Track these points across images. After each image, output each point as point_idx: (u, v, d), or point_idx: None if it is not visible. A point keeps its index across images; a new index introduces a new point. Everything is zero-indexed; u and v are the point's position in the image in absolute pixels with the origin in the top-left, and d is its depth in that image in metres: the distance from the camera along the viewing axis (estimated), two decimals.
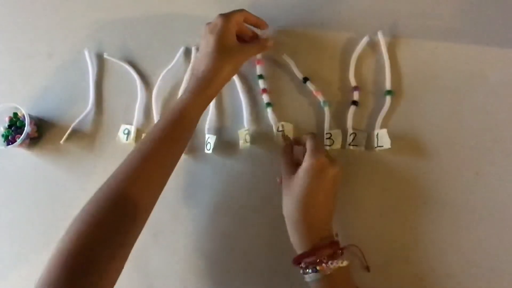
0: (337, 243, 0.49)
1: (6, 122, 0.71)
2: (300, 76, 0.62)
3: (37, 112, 0.72)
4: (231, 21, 0.55)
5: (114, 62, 0.71)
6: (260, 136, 0.62)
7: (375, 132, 0.57)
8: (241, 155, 0.62)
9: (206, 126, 0.64)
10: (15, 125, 0.70)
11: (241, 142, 0.61)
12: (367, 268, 0.54)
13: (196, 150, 0.64)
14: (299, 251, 0.49)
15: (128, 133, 0.66)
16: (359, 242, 0.55)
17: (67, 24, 0.75)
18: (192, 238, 0.61)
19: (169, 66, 0.67)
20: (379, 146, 0.56)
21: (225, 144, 0.63)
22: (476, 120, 0.55)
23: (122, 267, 0.46)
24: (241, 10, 0.58)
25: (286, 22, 0.65)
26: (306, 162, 0.50)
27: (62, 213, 0.66)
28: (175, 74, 0.67)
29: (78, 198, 0.48)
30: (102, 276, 0.44)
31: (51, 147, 0.70)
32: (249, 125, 0.62)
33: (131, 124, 0.67)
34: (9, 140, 0.69)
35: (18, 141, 0.66)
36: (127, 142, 0.66)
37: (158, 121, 0.53)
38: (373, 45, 0.61)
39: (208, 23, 0.57)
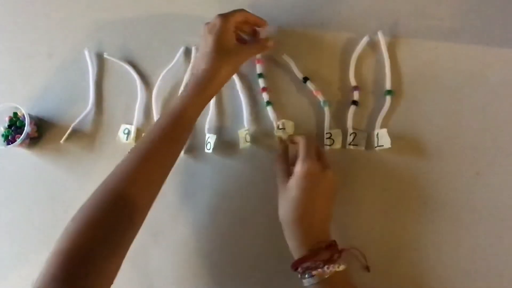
0: (334, 246, 0.48)
1: (6, 122, 0.71)
2: (300, 75, 0.62)
3: (37, 112, 0.72)
4: (230, 21, 0.55)
5: (114, 62, 0.71)
6: (260, 136, 0.62)
7: (375, 132, 0.57)
8: (241, 155, 0.62)
9: (206, 126, 0.64)
10: (15, 125, 0.70)
11: (241, 142, 0.61)
12: (367, 268, 0.54)
13: (196, 150, 0.64)
14: (296, 256, 0.49)
15: (128, 133, 0.66)
16: (359, 242, 0.55)
17: (67, 24, 0.75)
18: (192, 238, 0.61)
19: (169, 66, 0.67)
20: (379, 146, 0.56)
21: (225, 144, 0.63)
22: (476, 120, 0.55)
23: (119, 267, 0.46)
24: (241, 10, 0.57)
25: (286, 22, 0.65)
26: (298, 169, 0.50)
27: (62, 213, 0.66)
28: (175, 74, 0.67)
29: (78, 198, 0.47)
30: (100, 276, 0.44)
31: (51, 147, 0.70)
32: (249, 125, 0.62)
33: (131, 124, 0.67)
34: (9, 140, 0.69)
35: (18, 141, 0.66)
36: (127, 142, 0.66)
37: (157, 121, 0.53)
38: (373, 45, 0.61)
39: (207, 23, 0.57)
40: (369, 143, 0.58)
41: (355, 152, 0.58)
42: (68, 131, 0.69)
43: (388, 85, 0.58)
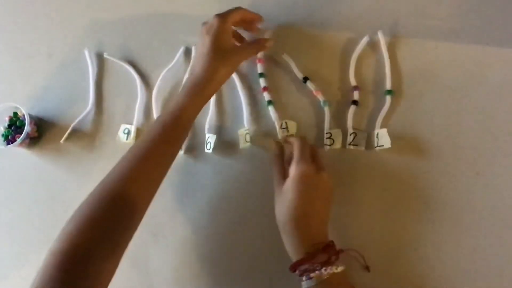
0: (332, 247, 0.48)
1: (6, 122, 0.71)
2: (300, 75, 0.62)
3: (37, 111, 0.72)
4: (228, 21, 0.55)
5: (114, 62, 0.71)
6: (260, 136, 0.62)
7: (375, 132, 0.57)
8: (241, 155, 0.62)
9: (206, 126, 0.64)
10: (15, 124, 0.70)
11: (241, 141, 0.62)
12: (367, 268, 0.54)
13: (196, 150, 0.64)
14: (293, 258, 0.49)
15: (128, 133, 0.66)
16: (359, 242, 0.55)
17: (67, 24, 0.75)
18: (192, 238, 0.61)
19: (169, 66, 0.67)
20: (379, 146, 0.56)
21: (225, 144, 0.63)
22: (477, 120, 0.55)
23: (117, 265, 0.46)
24: (238, 8, 0.57)
25: (286, 21, 0.65)
26: (292, 173, 0.50)
27: (62, 213, 0.65)
28: (175, 74, 0.67)
29: (78, 198, 0.48)
30: (98, 276, 0.44)
31: (51, 146, 0.70)
32: (249, 124, 0.62)
33: (131, 123, 0.67)
34: (9, 139, 0.69)
35: (18, 140, 0.66)
36: (127, 141, 0.66)
37: (155, 121, 0.53)
38: (373, 45, 0.61)
39: (205, 23, 0.56)
40: (369, 143, 0.58)
41: (355, 152, 0.58)
42: (68, 131, 0.69)
43: (388, 85, 0.58)
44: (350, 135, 0.58)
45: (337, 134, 0.58)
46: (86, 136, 0.69)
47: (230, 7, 0.58)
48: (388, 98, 0.58)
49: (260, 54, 0.64)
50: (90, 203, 0.47)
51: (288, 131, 0.60)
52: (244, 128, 0.61)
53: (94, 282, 0.43)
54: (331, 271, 0.46)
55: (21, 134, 0.66)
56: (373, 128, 0.58)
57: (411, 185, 0.55)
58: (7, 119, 0.71)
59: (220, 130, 0.64)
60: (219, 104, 0.65)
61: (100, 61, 0.72)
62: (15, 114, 0.70)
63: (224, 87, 0.66)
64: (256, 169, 0.61)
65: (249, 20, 0.60)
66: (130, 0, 0.73)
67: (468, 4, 0.60)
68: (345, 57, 0.61)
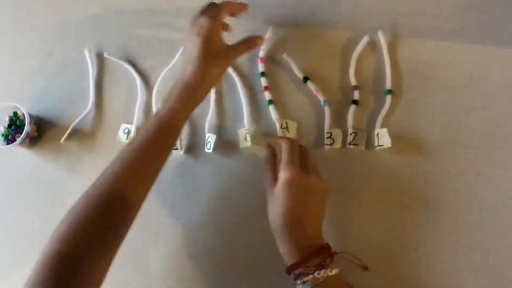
0: (326, 249, 0.47)
1: (6, 121, 0.70)
2: (300, 75, 0.62)
3: (37, 111, 0.72)
4: (217, 20, 0.53)
5: (114, 62, 0.71)
6: (260, 136, 0.62)
7: (376, 132, 0.57)
8: (241, 155, 0.62)
9: (206, 126, 0.64)
10: (15, 124, 0.70)
11: (241, 141, 0.61)
12: (366, 268, 0.54)
13: (196, 150, 0.64)
14: (288, 262, 0.48)
15: (128, 133, 0.66)
16: (359, 242, 0.55)
17: (67, 24, 0.75)
18: (192, 238, 0.61)
19: (169, 66, 0.67)
20: (380, 146, 0.56)
21: (225, 144, 0.63)
22: (477, 120, 0.55)
23: (110, 265, 0.46)
24: (225, 4, 0.54)
25: (286, 21, 0.65)
26: (281, 177, 0.50)
27: (62, 213, 0.65)
28: (175, 74, 0.67)
29: (78, 198, 0.48)
30: (90, 276, 0.44)
31: (51, 146, 0.70)
32: (249, 124, 0.62)
33: (131, 123, 0.67)
34: (9, 139, 0.69)
35: (18, 140, 0.66)
36: (127, 141, 0.66)
37: (144, 126, 0.52)
38: (373, 45, 0.61)
39: (193, 22, 0.54)
40: (369, 143, 0.58)
41: (355, 152, 0.58)
42: (68, 131, 0.69)
43: (388, 85, 0.58)
44: (350, 134, 0.58)
45: (337, 134, 0.58)
46: (86, 136, 0.69)
47: None
48: (388, 98, 0.58)
49: (261, 53, 0.64)
50: (82, 204, 0.47)
51: (288, 130, 0.60)
52: (244, 128, 0.61)
53: (87, 282, 0.44)
54: (326, 274, 0.45)
55: (21, 134, 0.66)
56: (373, 128, 0.58)
57: (411, 185, 0.55)
58: (7, 118, 0.70)
59: (220, 130, 0.64)
60: (219, 104, 0.65)
61: (100, 61, 0.72)
62: (15, 113, 0.70)
63: (224, 87, 0.66)
64: (256, 169, 0.61)
65: (236, 12, 0.57)
66: (130, 0, 0.73)
67: (468, 4, 0.60)
68: (345, 56, 0.61)
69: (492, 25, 0.58)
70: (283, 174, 0.49)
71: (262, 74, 0.63)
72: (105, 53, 0.71)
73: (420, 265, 0.53)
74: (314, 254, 0.46)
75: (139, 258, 0.62)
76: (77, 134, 0.69)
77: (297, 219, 0.48)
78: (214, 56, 0.52)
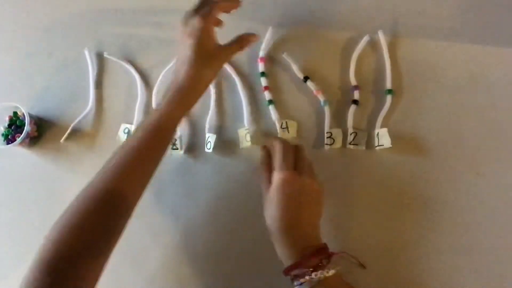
0: (324, 250, 0.47)
1: (6, 121, 0.70)
2: (300, 75, 0.62)
3: (37, 111, 0.72)
4: (210, 21, 0.52)
5: (114, 62, 0.71)
6: (261, 136, 0.62)
7: (376, 131, 0.57)
8: (241, 155, 0.62)
9: (207, 125, 0.64)
10: (15, 124, 0.70)
11: (241, 141, 0.61)
12: (362, 266, 0.53)
13: (196, 149, 0.64)
14: (285, 263, 0.48)
15: (128, 132, 0.66)
16: (358, 242, 0.55)
17: (67, 24, 0.75)
18: (192, 238, 0.61)
19: (170, 65, 0.67)
20: (380, 145, 0.56)
21: (225, 143, 0.63)
22: (477, 120, 0.55)
23: (106, 263, 0.47)
24: (216, 2, 0.53)
25: (286, 21, 0.65)
26: (275, 179, 0.49)
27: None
28: None
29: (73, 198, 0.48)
30: (87, 276, 0.44)
31: (51, 146, 0.70)
32: (249, 124, 0.62)
33: (131, 123, 0.67)
34: (9, 139, 0.69)
35: (18, 140, 0.66)
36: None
37: (137, 131, 0.51)
38: (373, 45, 0.61)
39: (184, 22, 0.52)
40: (369, 143, 0.58)
41: (356, 152, 0.58)
42: (68, 131, 0.69)
43: (388, 85, 0.58)
44: (351, 134, 0.58)
45: (338, 134, 0.58)
46: (86, 135, 0.69)
47: None
48: (388, 98, 0.58)
49: (262, 53, 0.64)
50: (78, 204, 0.47)
51: (288, 130, 0.60)
52: (245, 128, 0.61)
53: (82, 283, 0.44)
54: (322, 275, 0.45)
55: (21, 134, 0.66)
56: (373, 128, 0.58)
57: (411, 185, 0.55)
58: (7, 118, 0.70)
59: (220, 129, 0.64)
60: (219, 104, 0.65)
61: (100, 60, 0.72)
62: (15, 113, 0.70)
63: (225, 87, 0.66)
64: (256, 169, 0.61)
65: (228, 9, 0.56)
66: (130, 0, 0.73)
67: (468, 4, 0.60)
68: (345, 56, 0.61)
69: (492, 25, 0.58)
70: (277, 176, 0.49)
71: (262, 74, 0.63)
72: (105, 53, 0.71)
73: (420, 265, 0.53)
74: (311, 255, 0.46)
75: (139, 258, 0.62)
76: (77, 134, 0.69)
77: (293, 220, 0.48)
78: (207, 57, 0.52)
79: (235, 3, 0.55)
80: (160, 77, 0.67)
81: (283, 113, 0.61)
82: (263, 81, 0.63)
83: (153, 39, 0.70)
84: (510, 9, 0.58)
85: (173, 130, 0.53)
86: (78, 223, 0.46)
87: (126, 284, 0.61)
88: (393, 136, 0.55)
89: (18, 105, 0.68)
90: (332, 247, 0.49)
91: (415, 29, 0.60)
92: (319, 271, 0.45)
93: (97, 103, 0.70)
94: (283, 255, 0.48)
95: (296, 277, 0.46)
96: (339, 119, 0.59)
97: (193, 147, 0.64)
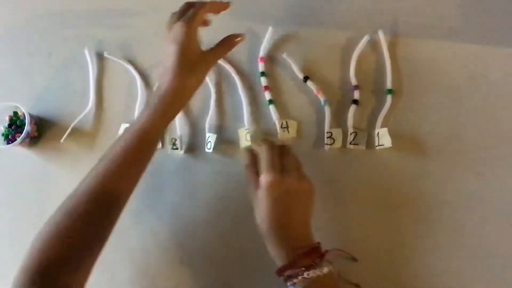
0: (315, 250, 0.47)
1: (6, 121, 0.71)
2: (300, 75, 0.62)
3: (37, 111, 0.72)
4: (194, 25, 0.50)
5: (115, 61, 0.71)
6: (261, 135, 0.62)
7: (376, 131, 0.57)
8: (242, 155, 0.62)
9: (207, 125, 0.64)
10: (15, 124, 0.70)
11: (241, 141, 0.61)
12: (354, 259, 0.53)
13: (197, 149, 0.64)
14: (278, 264, 0.48)
15: None
16: (358, 242, 0.55)
17: (67, 23, 0.75)
18: (192, 237, 0.61)
19: None
20: (380, 145, 0.56)
21: (226, 143, 0.63)
22: (477, 120, 0.55)
23: (91, 270, 0.48)
24: (202, 6, 0.51)
25: (286, 21, 0.65)
26: (261, 182, 0.49)
27: None
28: None
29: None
30: (73, 281, 0.45)
31: (51, 146, 0.70)
32: (249, 124, 0.62)
33: None
34: (9, 139, 0.69)
35: (18, 140, 0.66)
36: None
37: (120, 140, 0.50)
38: (373, 44, 0.61)
39: (169, 27, 0.51)
40: (369, 143, 0.58)
41: (356, 152, 0.58)
42: (68, 131, 0.69)
43: (388, 84, 0.58)
44: (351, 134, 0.58)
45: (338, 134, 0.58)
46: (86, 135, 0.69)
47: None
48: (388, 98, 0.58)
49: (262, 53, 0.64)
50: (57, 218, 0.48)
51: (288, 130, 0.60)
52: (245, 128, 0.61)
53: (79, 278, 0.45)
54: (315, 274, 0.45)
55: (21, 134, 0.66)
56: (373, 128, 0.58)
57: (411, 185, 0.55)
58: (7, 118, 0.71)
59: (220, 129, 0.64)
60: (220, 104, 0.65)
61: (100, 60, 0.72)
62: (15, 113, 0.70)
63: (225, 87, 0.66)
64: None
65: (215, 12, 0.54)
66: (130, 0, 0.73)
67: (468, 4, 0.60)
68: (345, 56, 0.61)
69: (492, 25, 0.58)
70: (263, 179, 0.49)
71: (262, 74, 0.63)
72: (105, 53, 0.71)
73: (419, 265, 0.53)
74: (303, 255, 0.46)
75: (139, 257, 0.62)
76: (77, 133, 0.69)
77: (283, 222, 0.48)
78: (190, 64, 0.50)
79: (223, 5, 0.54)
80: None
81: (283, 113, 0.61)
82: (263, 81, 0.63)
83: (153, 38, 0.70)
84: (510, 9, 0.58)
85: (156, 140, 0.53)
86: (61, 232, 0.47)
87: (126, 284, 0.61)
88: (393, 136, 0.55)
89: (18, 105, 0.68)
90: (331, 247, 0.49)
91: (415, 29, 0.60)
92: (312, 271, 0.45)
93: (97, 103, 0.70)
94: (276, 256, 0.48)
95: (289, 277, 0.46)
96: (339, 119, 0.59)
97: (193, 147, 0.64)
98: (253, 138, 0.60)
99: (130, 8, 0.73)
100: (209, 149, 0.62)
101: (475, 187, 0.54)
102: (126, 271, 0.62)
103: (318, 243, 0.48)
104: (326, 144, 0.58)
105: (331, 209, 0.57)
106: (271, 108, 0.61)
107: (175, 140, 0.64)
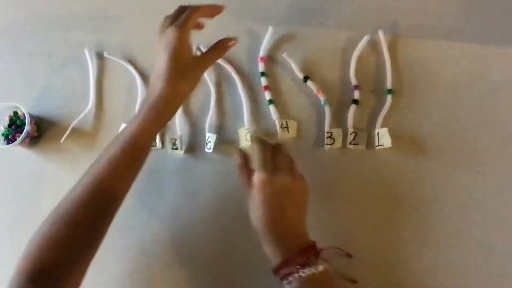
0: (310, 248, 0.47)
1: (6, 121, 0.70)
2: (300, 75, 0.62)
3: (37, 111, 0.72)
4: (186, 31, 0.49)
5: (115, 61, 0.71)
6: (261, 135, 0.62)
7: (376, 131, 0.57)
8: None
9: (207, 125, 0.64)
10: (15, 124, 0.70)
11: (241, 141, 0.61)
12: (349, 256, 0.53)
13: (197, 149, 0.64)
14: (274, 263, 0.48)
15: None
16: (358, 242, 0.55)
17: (67, 23, 0.75)
18: (192, 237, 0.61)
19: None
20: (380, 145, 0.56)
21: (226, 143, 0.63)
22: (478, 119, 0.55)
23: (86, 272, 0.48)
24: (195, 11, 0.51)
25: (286, 21, 0.65)
26: (254, 181, 0.49)
27: None
28: None
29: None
30: (74, 277, 0.47)
31: (51, 146, 0.70)
32: (249, 124, 0.62)
33: None
34: (9, 139, 0.69)
35: (18, 140, 0.66)
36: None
37: (110, 148, 0.50)
38: (373, 44, 0.61)
39: (161, 31, 0.51)
40: (369, 143, 0.58)
41: (356, 152, 0.58)
42: (68, 130, 0.69)
43: (388, 84, 0.58)
44: (351, 134, 0.58)
45: (338, 134, 0.58)
46: (86, 135, 0.69)
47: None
48: (388, 98, 0.58)
49: (262, 53, 0.64)
50: (50, 223, 0.48)
51: (288, 130, 0.60)
52: (245, 128, 0.61)
53: (73, 274, 0.46)
54: (310, 272, 0.45)
55: (21, 134, 0.66)
56: (373, 128, 0.58)
57: (411, 185, 0.55)
58: (7, 118, 0.70)
59: (220, 129, 0.64)
60: (220, 104, 0.65)
61: (100, 60, 0.72)
62: (15, 113, 0.70)
63: (225, 87, 0.66)
64: None
65: (208, 15, 0.53)
66: (130, 0, 0.73)
67: (468, 3, 0.60)
68: (345, 56, 0.61)
69: (493, 25, 0.58)
70: (255, 178, 0.49)
71: (262, 74, 0.63)
72: (105, 53, 0.71)
73: (419, 265, 0.53)
74: (298, 253, 0.46)
75: (139, 257, 0.62)
76: (77, 133, 0.69)
77: (277, 221, 0.48)
78: (182, 71, 0.49)
79: (216, 9, 0.53)
80: None
81: (283, 113, 0.61)
82: (263, 81, 0.63)
83: (153, 38, 0.70)
84: (510, 9, 0.58)
85: (148, 148, 0.52)
86: (55, 236, 0.47)
87: (126, 284, 0.61)
88: (393, 136, 0.55)
89: (18, 105, 0.68)
90: (319, 244, 0.48)
91: (415, 29, 0.60)
92: (307, 269, 0.45)
93: (97, 102, 0.70)
94: (271, 255, 0.48)
95: (285, 276, 0.46)
96: (339, 119, 0.59)
97: (193, 147, 0.64)
98: (253, 138, 0.60)
99: (130, 8, 0.73)
100: (209, 149, 0.62)
101: (475, 187, 0.54)
102: (126, 271, 0.61)
103: (313, 241, 0.48)
104: (326, 144, 0.58)
105: (331, 209, 0.57)
106: (271, 108, 0.61)
107: (175, 140, 0.64)
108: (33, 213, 0.69)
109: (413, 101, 0.58)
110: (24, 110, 0.67)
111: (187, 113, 0.66)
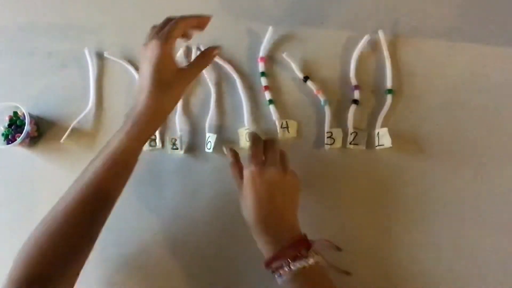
0: (301, 241, 0.47)
1: (6, 121, 0.70)
2: (300, 75, 0.62)
3: (37, 111, 0.72)
4: (169, 42, 0.48)
5: (115, 61, 0.71)
6: (261, 135, 0.61)
7: (376, 131, 0.57)
8: (242, 154, 0.62)
9: (207, 125, 0.64)
10: (15, 124, 0.70)
11: (241, 141, 0.61)
12: (339, 249, 0.53)
13: (197, 149, 0.64)
14: (266, 257, 0.48)
15: None
16: (358, 242, 0.55)
17: (67, 23, 0.75)
18: (193, 237, 0.61)
19: None
20: (380, 145, 0.56)
21: (226, 143, 0.63)
22: (477, 119, 0.55)
23: (78, 276, 0.49)
24: (179, 21, 0.50)
25: (286, 20, 0.65)
26: (245, 174, 0.50)
27: None
28: None
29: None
30: (67, 280, 0.47)
31: (51, 146, 0.70)
32: (249, 124, 0.62)
33: None
34: (9, 139, 0.69)
35: (18, 140, 0.66)
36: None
37: (92, 165, 0.50)
38: (373, 44, 0.61)
39: (145, 44, 0.50)
40: (369, 142, 0.58)
41: (356, 152, 0.58)
42: (68, 130, 0.69)
43: (388, 84, 0.58)
44: (351, 134, 0.58)
45: (338, 134, 0.58)
46: (87, 135, 0.69)
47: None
48: (388, 97, 0.58)
49: (262, 53, 0.64)
50: (42, 229, 0.49)
51: (288, 130, 0.60)
52: (245, 127, 0.61)
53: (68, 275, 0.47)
54: (301, 266, 0.45)
55: (21, 134, 0.66)
56: (373, 128, 0.58)
57: (411, 185, 0.55)
58: (7, 118, 0.70)
59: (220, 129, 0.64)
60: (220, 104, 0.65)
61: (100, 60, 0.72)
62: (15, 113, 0.70)
63: (225, 87, 0.66)
64: None
65: (194, 26, 0.53)
66: (130, 0, 0.73)
67: (468, 3, 0.60)
68: (345, 56, 0.61)
69: (492, 25, 0.58)
70: (246, 171, 0.50)
71: (262, 74, 0.63)
72: (105, 53, 0.71)
73: (419, 265, 0.53)
74: (289, 246, 0.46)
75: (139, 257, 0.62)
76: (77, 133, 0.69)
77: (267, 213, 0.48)
78: (166, 84, 0.49)
79: (204, 20, 0.52)
80: None
81: (283, 113, 0.61)
82: (263, 81, 0.63)
83: None
84: (510, 9, 0.58)
85: (132, 162, 0.51)
86: (46, 244, 0.48)
87: (126, 284, 0.61)
88: (393, 136, 0.55)
89: (18, 105, 0.68)
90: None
91: (415, 28, 0.60)
92: (298, 262, 0.45)
93: (97, 102, 0.70)
94: (263, 248, 0.48)
95: (276, 269, 0.46)
96: (339, 119, 0.59)
97: (193, 147, 0.64)
98: (247, 134, 0.60)
99: (130, 8, 0.73)
100: (209, 149, 0.62)
101: (475, 187, 0.54)
102: (125, 271, 0.61)
103: (305, 234, 0.48)
104: (326, 144, 0.58)
105: (331, 208, 0.57)
106: (271, 108, 0.61)
107: (175, 140, 0.64)
108: (33, 213, 0.69)
109: (413, 101, 0.58)
110: (24, 110, 0.67)
111: (187, 113, 0.66)
